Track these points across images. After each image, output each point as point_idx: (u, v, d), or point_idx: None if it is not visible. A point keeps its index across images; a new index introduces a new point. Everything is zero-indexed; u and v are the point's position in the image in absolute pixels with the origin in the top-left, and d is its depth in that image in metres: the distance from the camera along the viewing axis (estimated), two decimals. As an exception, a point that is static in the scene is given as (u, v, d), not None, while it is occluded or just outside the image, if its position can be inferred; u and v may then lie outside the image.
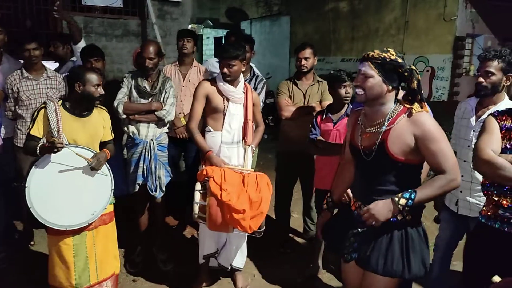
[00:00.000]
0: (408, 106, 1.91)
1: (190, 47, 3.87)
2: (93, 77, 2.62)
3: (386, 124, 1.92)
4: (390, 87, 1.91)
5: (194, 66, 3.96)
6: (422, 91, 1.94)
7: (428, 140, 1.84)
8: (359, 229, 2.01)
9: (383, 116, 1.95)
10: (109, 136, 2.85)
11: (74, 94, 2.64)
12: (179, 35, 3.92)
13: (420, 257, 1.95)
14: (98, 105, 2.80)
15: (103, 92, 2.68)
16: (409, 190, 1.85)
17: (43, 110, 2.58)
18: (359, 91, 1.94)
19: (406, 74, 1.90)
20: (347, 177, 2.25)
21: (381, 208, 1.86)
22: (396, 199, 1.85)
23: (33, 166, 2.50)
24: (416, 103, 1.91)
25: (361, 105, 2.12)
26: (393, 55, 1.89)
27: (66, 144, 2.53)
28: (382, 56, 1.89)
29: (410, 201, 1.83)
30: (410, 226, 1.96)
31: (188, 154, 4.04)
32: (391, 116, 1.93)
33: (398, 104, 1.95)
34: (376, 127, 1.97)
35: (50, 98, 3.40)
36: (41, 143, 2.52)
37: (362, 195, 2.05)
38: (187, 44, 3.84)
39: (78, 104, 2.66)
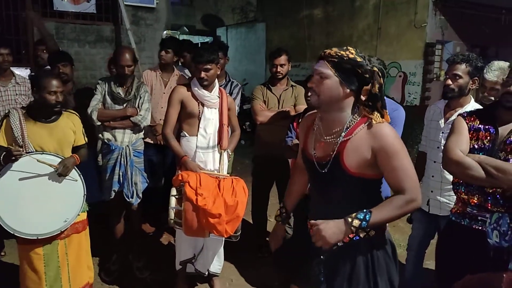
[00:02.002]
0: (368, 115, 1.69)
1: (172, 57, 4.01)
2: (50, 83, 2.48)
3: (343, 134, 1.70)
4: (348, 90, 1.67)
5: (176, 75, 4.03)
6: (385, 97, 1.75)
7: (387, 154, 1.63)
8: (321, 256, 1.81)
9: (341, 124, 1.72)
10: (81, 140, 2.77)
11: (34, 101, 2.56)
12: (170, 45, 3.95)
13: (386, 278, 1.77)
14: (68, 110, 2.71)
15: (60, 99, 2.54)
16: (364, 210, 1.62)
17: (6, 119, 2.51)
18: (312, 93, 1.73)
19: (367, 76, 1.66)
20: (300, 183, 2.09)
21: (331, 228, 1.61)
22: (349, 219, 1.61)
23: None
24: (376, 112, 1.69)
25: None
26: (352, 53, 1.67)
27: (30, 152, 2.46)
28: (340, 54, 1.66)
29: (364, 222, 1.60)
30: (375, 244, 1.77)
31: (166, 159, 4.02)
32: (350, 126, 1.70)
33: (359, 112, 1.72)
34: (332, 136, 1.74)
35: (20, 104, 3.32)
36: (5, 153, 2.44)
37: (318, 213, 1.80)
38: (166, 56, 3.94)
39: (38, 110, 2.56)
